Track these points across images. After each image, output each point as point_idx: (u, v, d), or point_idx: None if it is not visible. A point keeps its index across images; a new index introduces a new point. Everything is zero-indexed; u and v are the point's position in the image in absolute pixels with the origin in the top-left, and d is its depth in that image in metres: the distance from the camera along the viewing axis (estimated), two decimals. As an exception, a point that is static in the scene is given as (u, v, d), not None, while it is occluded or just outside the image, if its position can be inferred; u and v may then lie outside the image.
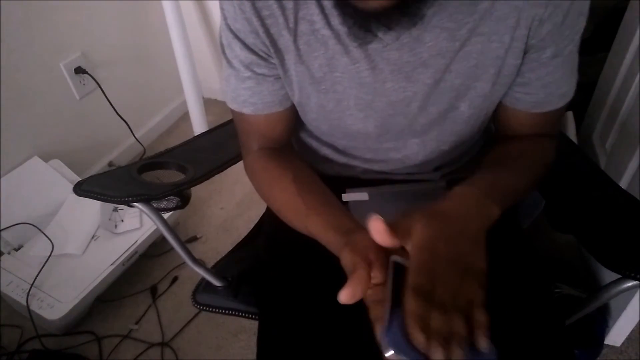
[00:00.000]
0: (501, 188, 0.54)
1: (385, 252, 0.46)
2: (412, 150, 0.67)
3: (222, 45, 0.62)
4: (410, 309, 0.39)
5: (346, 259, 0.46)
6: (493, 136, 0.72)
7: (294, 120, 0.68)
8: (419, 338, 0.38)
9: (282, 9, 0.54)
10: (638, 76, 1.08)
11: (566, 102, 0.61)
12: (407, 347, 0.38)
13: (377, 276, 0.45)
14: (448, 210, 0.47)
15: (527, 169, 0.61)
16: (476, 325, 0.39)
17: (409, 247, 0.45)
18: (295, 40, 0.56)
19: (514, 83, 0.59)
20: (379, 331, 0.41)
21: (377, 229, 0.44)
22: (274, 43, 0.57)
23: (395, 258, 0.45)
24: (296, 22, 0.55)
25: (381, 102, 0.60)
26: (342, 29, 0.54)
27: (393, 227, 0.45)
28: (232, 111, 0.67)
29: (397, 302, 0.41)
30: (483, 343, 0.39)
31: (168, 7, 1.60)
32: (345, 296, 0.42)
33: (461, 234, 0.45)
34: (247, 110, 0.64)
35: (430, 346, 0.37)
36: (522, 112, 0.62)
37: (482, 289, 0.42)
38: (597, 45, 1.29)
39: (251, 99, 0.63)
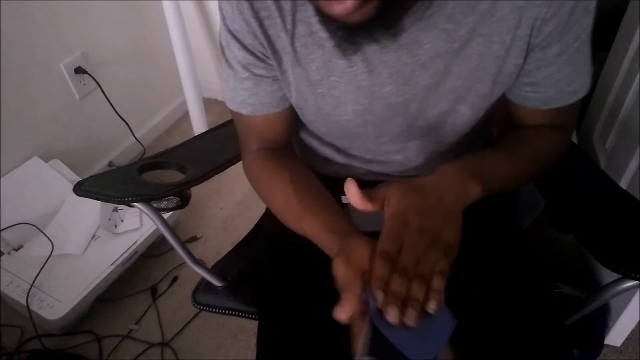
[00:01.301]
0: (488, 169, 0.54)
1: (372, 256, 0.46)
2: (412, 152, 0.67)
3: (221, 45, 0.62)
4: (374, 271, 0.42)
5: (339, 272, 0.45)
6: (500, 128, 0.71)
7: (292, 121, 0.68)
8: (378, 296, 0.40)
9: (280, 10, 0.54)
10: (638, 76, 1.08)
11: (579, 98, 0.60)
12: (386, 326, 0.40)
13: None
14: (425, 184, 0.49)
15: (523, 154, 0.60)
16: (430, 289, 0.41)
17: (384, 214, 0.47)
18: (292, 42, 0.56)
19: (522, 82, 0.59)
20: (357, 345, 0.41)
21: (351, 191, 0.47)
22: (271, 44, 0.57)
23: None
24: (294, 24, 0.55)
25: (379, 106, 0.60)
26: (333, 35, 0.54)
27: (371, 194, 0.47)
28: (231, 111, 0.67)
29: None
30: (432, 305, 0.40)
31: (168, 7, 1.60)
32: (341, 315, 0.42)
33: (434, 207, 0.46)
34: (245, 110, 0.64)
35: (386, 305, 0.39)
36: (532, 109, 0.61)
37: (446, 258, 0.43)
38: (597, 45, 1.29)
39: (249, 99, 0.63)
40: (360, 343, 0.40)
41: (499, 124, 0.75)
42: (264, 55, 0.59)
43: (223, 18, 0.58)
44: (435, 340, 0.40)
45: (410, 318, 0.39)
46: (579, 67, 0.58)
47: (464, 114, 0.60)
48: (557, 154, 0.64)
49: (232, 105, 0.65)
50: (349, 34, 0.49)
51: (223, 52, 0.62)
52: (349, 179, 0.47)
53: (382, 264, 0.42)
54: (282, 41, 0.57)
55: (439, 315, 0.41)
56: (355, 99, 0.59)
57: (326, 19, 0.48)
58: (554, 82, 0.57)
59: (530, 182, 0.70)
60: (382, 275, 0.41)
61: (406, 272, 0.41)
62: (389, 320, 0.39)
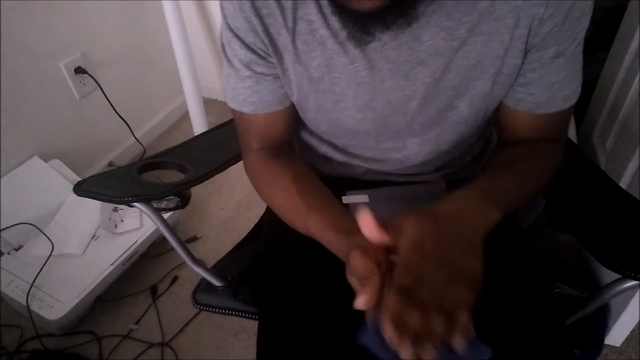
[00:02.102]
0: (501, 191, 0.53)
1: (386, 252, 0.46)
2: (411, 150, 0.67)
3: (222, 44, 0.62)
4: (389, 306, 0.39)
5: (357, 263, 0.45)
6: (497, 142, 0.71)
7: (293, 119, 0.68)
8: (390, 334, 0.37)
9: (281, 8, 0.55)
10: (638, 76, 1.08)
11: (570, 105, 0.60)
12: (380, 347, 0.38)
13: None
14: (442, 212, 0.46)
15: (530, 173, 0.60)
16: (455, 325, 0.38)
17: (400, 246, 0.45)
18: (293, 40, 0.57)
19: (516, 83, 0.59)
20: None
21: (366, 222, 0.44)
22: (272, 42, 0.57)
23: (393, 258, 0.45)
24: (295, 22, 0.55)
25: (380, 102, 0.60)
26: (340, 30, 0.54)
27: (386, 223, 0.45)
28: (232, 110, 0.67)
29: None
30: (456, 343, 0.37)
31: (168, 7, 1.60)
32: (362, 303, 0.41)
33: (453, 236, 0.44)
34: (246, 109, 0.64)
35: (400, 343, 0.37)
36: (524, 114, 0.61)
37: (471, 291, 0.40)
38: (597, 45, 1.29)
39: (250, 98, 0.63)
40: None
41: (497, 128, 0.75)
42: (265, 53, 0.59)
43: (224, 16, 0.58)
44: None
45: (429, 354, 0.36)
46: (573, 72, 0.58)
47: (463, 112, 0.60)
48: (554, 169, 0.63)
49: (233, 104, 0.66)
50: (362, 23, 0.49)
51: (224, 51, 0.62)
52: (363, 210, 0.45)
53: (398, 298, 0.39)
54: (283, 39, 0.57)
55: (474, 349, 0.38)
56: (356, 94, 0.60)
57: (340, 7, 0.48)
58: (548, 85, 0.57)
59: (534, 198, 0.69)
60: (398, 311, 0.38)
61: (426, 308, 0.38)
62: (402, 357, 0.36)
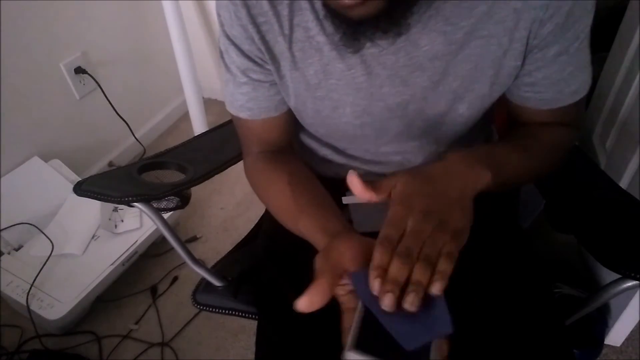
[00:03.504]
0: (498, 158, 0.53)
1: (365, 259, 0.44)
2: (411, 153, 0.67)
3: (220, 50, 0.62)
4: (374, 256, 0.39)
5: (316, 265, 0.45)
6: (499, 128, 0.71)
7: (291, 124, 0.69)
8: (374, 284, 0.38)
9: (277, 15, 0.55)
10: (638, 76, 1.08)
11: (579, 98, 0.60)
12: (365, 291, 0.38)
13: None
14: (432, 170, 0.47)
15: (532, 147, 0.59)
16: (436, 272, 0.38)
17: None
18: (290, 47, 0.57)
19: (522, 83, 0.58)
20: (346, 339, 0.40)
21: (353, 183, 0.45)
22: (269, 49, 0.57)
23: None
24: (291, 29, 0.55)
25: (378, 107, 0.60)
26: (336, 36, 0.54)
27: (377, 183, 0.46)
28: (231, 115, 0.67)
29: (370, 313, 0.40)
30: (435, 288, 0.37)
31: (168, 7, 1.60)
32: (301, 304, 0.41)
33: (442, 192, 0.44)
34: (243, 115, 0.65)
35: (382, 292, 0.37)
36: (533, 109, 0.61)
37: (454, 242, 0.40)
38: (597, 45, 1.29)
39: (247, 104, 0.63)
40: (349, 336, 0.39)
41: (498, 122, 0.75)
42: (261, 60, 0.59)
43: (221, 24, 0.58)
44: (431, 330, 0.37)
45: (411, 303, 0.37)
46: (579, 67, 0.58)
47: (462, 114, 0.60)
48: (564, 150, 0.64)
49: (231, 109, 0.66)
50: (353, 30, 0.49)
51: (222, 57, 0.62)
52: (350, 171, 0.45)
53: (382, 249, 0.39)
54: (279, 46, 0.57)
55: (438, 307, 0.38)
56: (354, 100, 0.60)
57: (333, 13, 0.48)
58: (554, 83, 0.57)
59: (538, 178, 0.68)
60: (381, 261, 0.39)
61: (408, 256, 0.39)
62: (383, 307, 0.37)
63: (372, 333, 0.38)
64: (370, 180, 0.46)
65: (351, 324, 0.40)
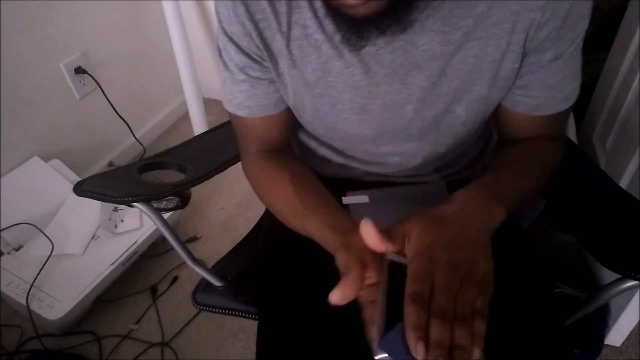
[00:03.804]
0: (504, 190, 0.52)
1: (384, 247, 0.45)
2: (409, 153, 0.67)
3: (218, 48, 0.62)
4: (409, 318, 0.37)
5: (340, 260, 0.45)
6: (497, 140, 0.71)
7: (290, 122, 0.68)
8: (419, 350, 0.36)
9: (276, 13, 0.55)
10: (638, 76, 1.08)
11: (568, 106, 0.60)
12: (402, 353, 0.37)
13: (372, 276, 0.44)
14: (447, 214, 0.45)
15: (531, 172, 0.59)
16: (473, 335, 0.37)
17: (407, 253, 0.44)
18: (288, 45, 0.57)
19: (514, 86, 0.58)
20: (372, 333, 0.40)
21: (368, 233, 0.43)
22: (267, 47, 0.57)
23: (391, 256, 0.44)
24: (289, 27, 0.55)
25: (376, 105, 0.60)
26: (335, 34, 0.54)
27: (390, 231, 0.44)
28: (229, 113, 0.67)
29: (392, 303, 0.40)
30: (476, 354, 0.36)
31: (168, 7, 1.60)
32: (336, 297, 0.41)
33: (461, 237, 0.43)
34: (242, 113, 0.64)
35: (430, 358, 0.36)
36: (523, 115, 0.61)
37: (484, 295, 0.39)
38: (597, 45, 1.29)
39: (246, 102, 0.63)
40: (374, 330, 0.38)
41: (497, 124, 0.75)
42: (260, 57, 0.59)
43: (219, 21, 0.58)
44: None
45: None
46: (571, 73, 0.58)
47: (460, 116, 0.60)
48: (555, 166, 0.63)
49: (229, 108, 0.66)
50: (356, 28, 0.49)
51: (220, 55, 0.62)
52: (364, 220, 0.43)
53: (415, 308, 0.37)
54: (277, 43, 0.57)
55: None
56: (352, 98, 0.60)
57: (335, 11, 0.48)
58: (546, 87, 0.57)
59: (536, 196, 0.68)
60: (419, 322, 0.37)
61: (445, 316, 0.37)
62: None
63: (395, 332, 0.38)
64: (384, 227, 0.44)
65: (372, 315, 0.40)
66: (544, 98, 0.58)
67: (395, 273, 0.42)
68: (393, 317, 0.39)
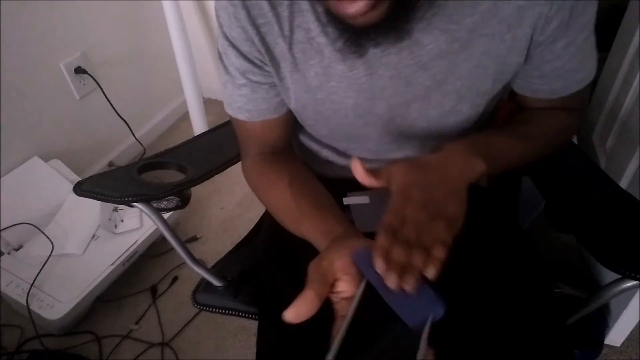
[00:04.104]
0: (494, 147, 0.55)
1: (355, 268, 0.45)
2: (413, 151, 0.67)
3: (219, 52, 0.62)
4: (378, 242, 0.43)
5: (308, 273, 0.45)
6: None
7: (291, 126, 0.68)
8: (379, 264, 0.41)
9: (278, 17, 0.54)
10: (638, 76, 1.08)
11: (586, 84, 0.61)
12: (370, 270, 0.42)
13: (346, 290, 0.44)
14: (430, 161, 0.49)
15: (530, 133, 0.61)
16: (431, 257, 0.42)
17: (391, 191, 0.48)
18: (290, 49, 0.56)
19: (531, 76, 0.59)
20: (331, 344, 0.40)
21: (357, 169, 0.48)
22: (269, 51, 0.57)
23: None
24: (291, 31, 0.55)
25: (380, 107, 0.60)
26: (338, 38, 0.54)
27: (377, 172, 0.49)
28: (230, 116, 0.67)
29: (363, 317, 0.41)
30: (430, 272, 0.41)
31: (168, 7, 1.60)
32: (288, 315, 0.41)
33: (438, 182, 0.47)
34: (242, 116, 0.65)
35: (386, 272, 0.41)
36: (542, 99, 0.63)
37: (449, 230, 0.44)
38: (597, 45, 1.29)
39: (246, 105, 0.63)
40: (332, 346, 0.40)
41: (499, 121, 0.75)
42: (261, 62, 0.59)
43: (220, 25, 0.58)
44: (427, 309, 0.41)
45: (409, 284, 0.40)
46: (586, 56, 0.58)
47: (465, 113, 0.61)
48: (567, 134, 0.65)
49: (229, 111, 0.66)
50: (356, 36, 0.49)
51: (221, 59, 0.62)
52: (354, 157, 0.49)
53: (384, 235, 0.43)
54: (280, 48, 0.57)
55: (428, 292, 0.42)
56: (355, 102, 0.59)
57: (335, 20, 0.49)
58: (562, 74, 0.58)
59: (539, 159, 0.70)
60: (384, 245, 0.42)
61: (407, 243, 0.42)
62: (388, 285, 0.41)
63: (355, 346, 0.40)
64: (372, 168, 0.49)
65: (337, 330, 0.41)
66: (561, 83, 0.60)
67: (372, 290, 0.43)
68: (360, 331, 0.41)
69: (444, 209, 0.45)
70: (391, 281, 0.41)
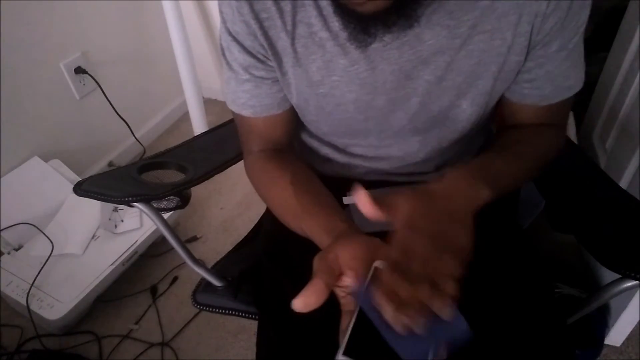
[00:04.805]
0: (493, 170, 0.54)
1: (367, 260, 0.45)
2: (413, 147, 0.67)
3: (221, 47, 0.62)
4: (383, 279, 0.40)
5: (314, 265, 0.45)
6: (497, 127, 0.71)
7: (293, 122, 0.68)
8: (386, 308, 0.38)
9: (280, 11, 0.55)
10: (638, 76, 1.08)
11: (573, 93, 0.61)
12: (372, 309, 0.39)
13: (352, 285, 0.44)
14: (434, 190, 0.47)
15: (524, 154, 0.60)
16: (442, 297, 0.39)
17: (394, 223, 0.45)
18: (293, 43, 0.57)
19: (521, 79, 0.59)
20: (340, 339, 0.40)
21: (361, 200, 0.46)
22: (272, 46, 0.57)
23: (378, 264, 0.44)
24: (294, 25, 0.55)
25: (381, 100, 0.60)
26: (341, 31, 0.54)
27: (381, 202, 0.46)
28: (233, 113, 0.67)
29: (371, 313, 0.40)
30: (445, 312, 0.38)
31: (168, 7, 1.60)
32: (297, 304, 0.42)
33: (444, 212, 0.45)
34: (246, 112, 0.65)
35: (396, 319, 0.38)
36: (529, 106, 0.62)
37: (458, 263, 0.41)
38: (597, 45, 1.29)
39: (250, 101, 0.63)
40: (342, 340, 0.39)
41: (498, 122, 0.75)
42: (264, 57, 0.59)
43: (223, 20, 0.58)
44: (432, 342, 0.39)
45: (419, 326, 0.38)
46: (575, 63, 0.59)
47: (465, 110, 0.61)
48: (554, 152, 0.65)
49: (233, 107, 0.66)
50: (362, 23, 0.49)
51: (224, 54, 0.62)
52: (356, 184, 0.47)
53: (391, 274, 0.40)
54: (282, 42, 0.57)
55: (453, 321, 0.39)
56: (357, 96, 0.60)
57: (342, 8, 0.49)
58: (552, 78, 0.58)
59: (530, 179, 0.70)
60: (390, 283, 0.39)
61: (415, 278, 0.39)
62: (395, 328, 0.38)
63: (365, 339, 0.39)
64: (374, 192, 0.47)
65: (346, 326, 0.41)
66: (550, 88, 0.59)
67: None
68: (364, 331, 0.40)
69: (452, 240, 0.43)
70: (400, 325, 0.38)
